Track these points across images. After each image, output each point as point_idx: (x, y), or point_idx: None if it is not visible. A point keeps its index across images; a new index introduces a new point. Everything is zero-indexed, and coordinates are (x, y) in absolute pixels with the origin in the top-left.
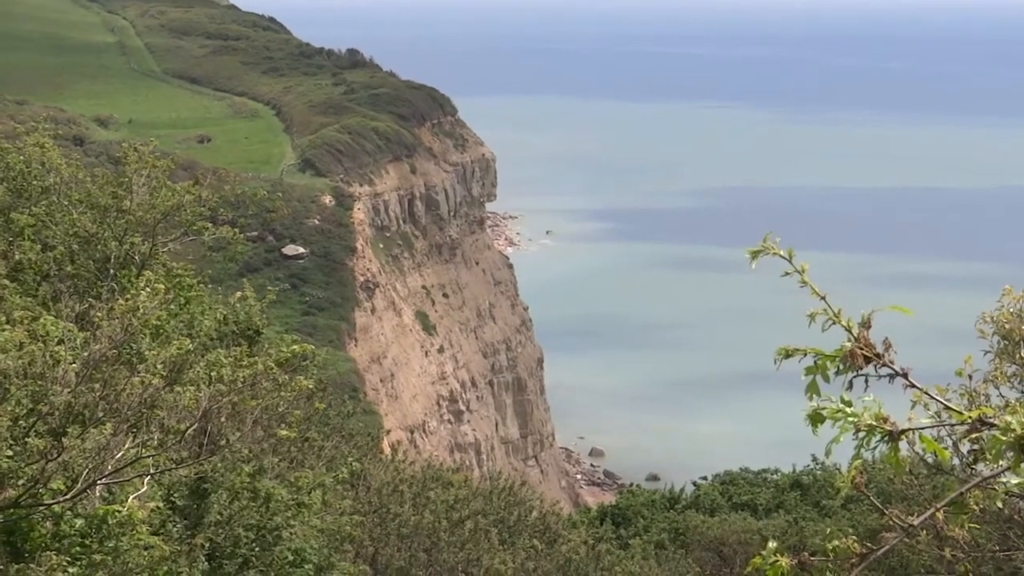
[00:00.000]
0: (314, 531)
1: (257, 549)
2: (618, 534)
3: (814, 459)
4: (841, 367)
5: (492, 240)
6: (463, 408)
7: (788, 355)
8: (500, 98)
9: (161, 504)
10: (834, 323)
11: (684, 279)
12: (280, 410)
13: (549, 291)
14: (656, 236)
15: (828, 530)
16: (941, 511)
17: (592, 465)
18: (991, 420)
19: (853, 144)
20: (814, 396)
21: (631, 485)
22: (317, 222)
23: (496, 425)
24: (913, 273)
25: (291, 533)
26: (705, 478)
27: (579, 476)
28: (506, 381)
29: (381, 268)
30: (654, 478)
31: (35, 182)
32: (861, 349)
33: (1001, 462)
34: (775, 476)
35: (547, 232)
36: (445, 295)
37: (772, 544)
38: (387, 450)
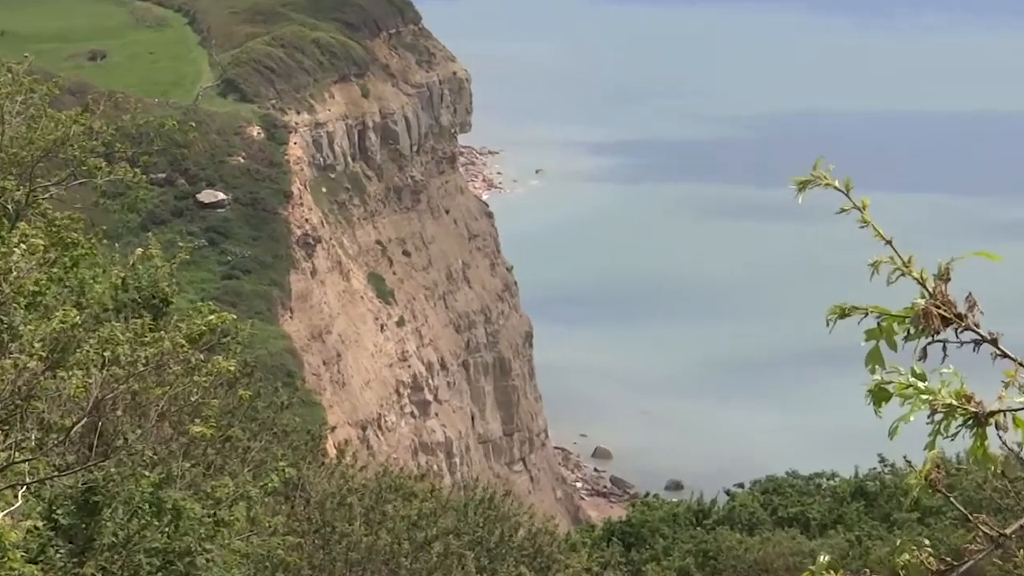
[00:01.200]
0: (236, 557)
1: None
2: (629, 558)
3: (882, 460)
4: (912, 330)
5: (466, 182)
6: (429, 398)
7: (844, 315)
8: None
9: (40, 523)
10: (903, 274)
11: (714, 229)
12: (193, 400)
13: (540, 247)
14: (678, 175)
15: (898, 542)
16: None
17: (596, 470)
18: None
19: (933, 57)
20: (877, 368)
21: (646, 495)
22: (242, 160)
23: (472, 419)
24: (1004, 221)
25: (207, 560)
26: (741, 486)
27: (579, 484)
28: (485, 362)
29: (324, 219)
30: (676, 486)
31: None
32: (938, 307)
33: None
34: (832, 482)
35: (537, 171)
36: (406, 252)
37: (823, 558)
38: (332, 452)
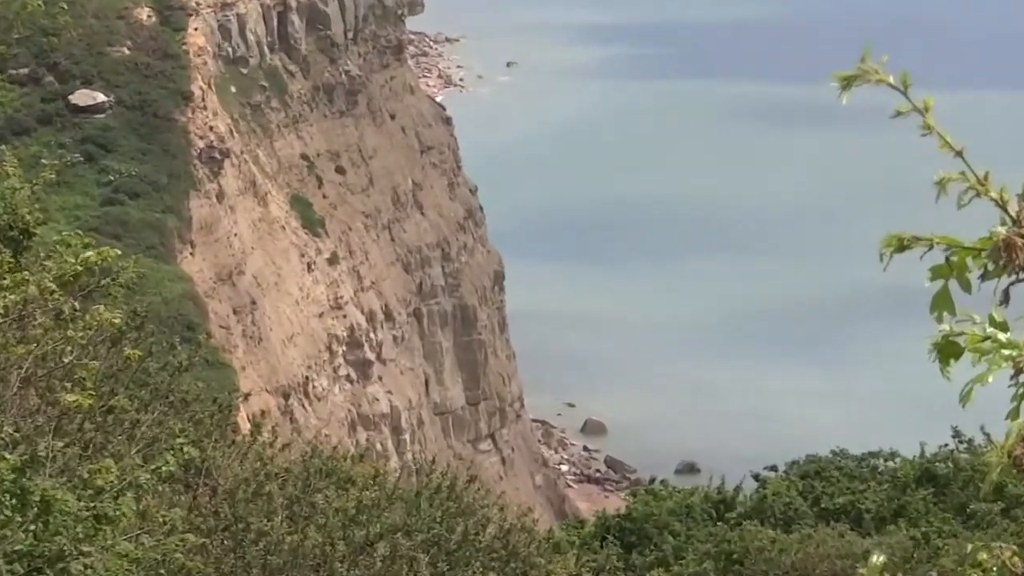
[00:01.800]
0: (122, 562)
1: None
2: (629, 562)
3: (956, 434)
4: (989, 267)
5: (418, 79)
6: (371, 357)
7: (902, 247)
8: None
9: None
10: (977, 195)
11: (738, 140)
12: (67, 362)
13: (513, 163)
14: (693, 67)
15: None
16: None
17: (587, 450)
18: None
19: None
20: (944, 315)
21: (651, 481)
22: (127, 52)
23: (426, 384)
24: None
25: (84, 566)
26: (774, 469)
27: (565, 468)
28: (442, 311)
29: (233, 127)
30: (689, 469)
31: None
32: (1022, 237)
33: None
34: (891, 464)
35: (508, 64)
36: (340, 170)
37: (878, 558)
38: (245, 427)
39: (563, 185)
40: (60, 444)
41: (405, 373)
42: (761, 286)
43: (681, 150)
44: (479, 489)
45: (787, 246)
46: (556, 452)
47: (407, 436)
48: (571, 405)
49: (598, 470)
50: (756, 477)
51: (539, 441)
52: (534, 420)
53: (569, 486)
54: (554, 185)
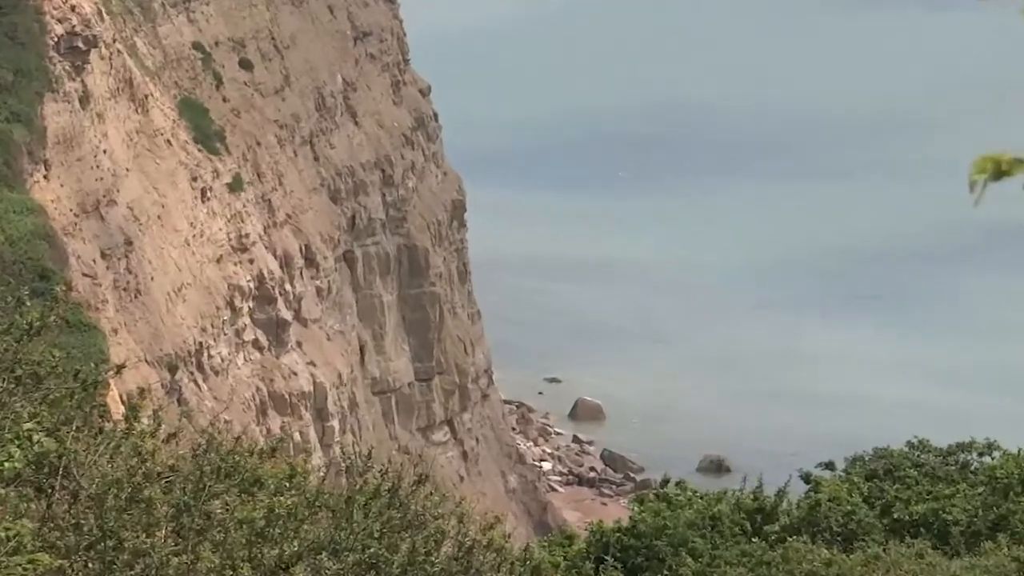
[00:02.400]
0: None
1: None
2: None
3: None
4: None
5: None
6: (287, 316)
7: (1000, 173)
8: None
9: None
10: None
11: (788, 25)
12: None
13: (481, 55)
14: None
15: None
16: None
17: (578, 441)
18: None
19: None
20: None
21: (664, 483)
22: None
23: (361, 353)
24: None
25: None
26: (830, 466)
27: (548, 465)
28: (382, 255)
29: (103, 6)
30: (717, 467)
31: None
32: None
33: None
34: (989, 460)
35: None
36: (245, 64)
37: None
38: (117, 411)
39: (549, 87)
40: None
41: (333, 338)
42: (811, 224)
43: (701, 40)
44: (432, 493)
45: (845, 170)
46: (536, 444)
47: (335, 423)
48: (555, 381)
49: (592, 468)
50: (806, 478)
51: (513, 430)
52: (506, 401)
53: (553, 489)
54: (536, 87)
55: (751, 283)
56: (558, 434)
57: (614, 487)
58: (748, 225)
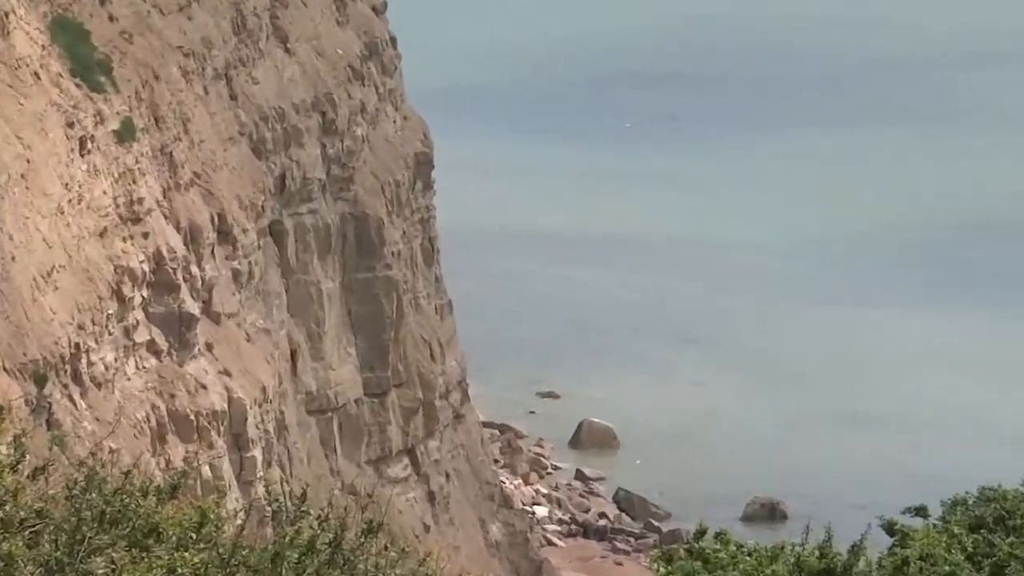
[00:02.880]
0: None
1: None
2: None
3: None
4: None
5: None
6: (193, 309)
7: None
8: None
9: None
10: None
11: None
12: None
13: None
14: None
15: None
16: None
17: (583, 478)
18: None
19: None
20: None
21: (700, 535)
22: None
23: (293, 359)
24: None
25: None
26: (922, 511)
27: (543, 510)
28: (321, 227)
29: None
30: (769, 512)
31: None
32: None
33: None
34: None
35: None
36: None
37: None
38: None
39: (537, 7)
40: None
41: (255, 338)
42: (897, 184)
43: None
44: (387, 548)
45: (967, 111)
46: (527, 483)
47: (257, 452)
48: (551, 396)
49: (602, 515)
50: (889, 528)
51: (496, 462)
52: (486, 424)
53: (551, 543)
54: (522, 7)
55: (803, 265)
56: (556, 468)
57: (632, 540)
58: (798, 189)
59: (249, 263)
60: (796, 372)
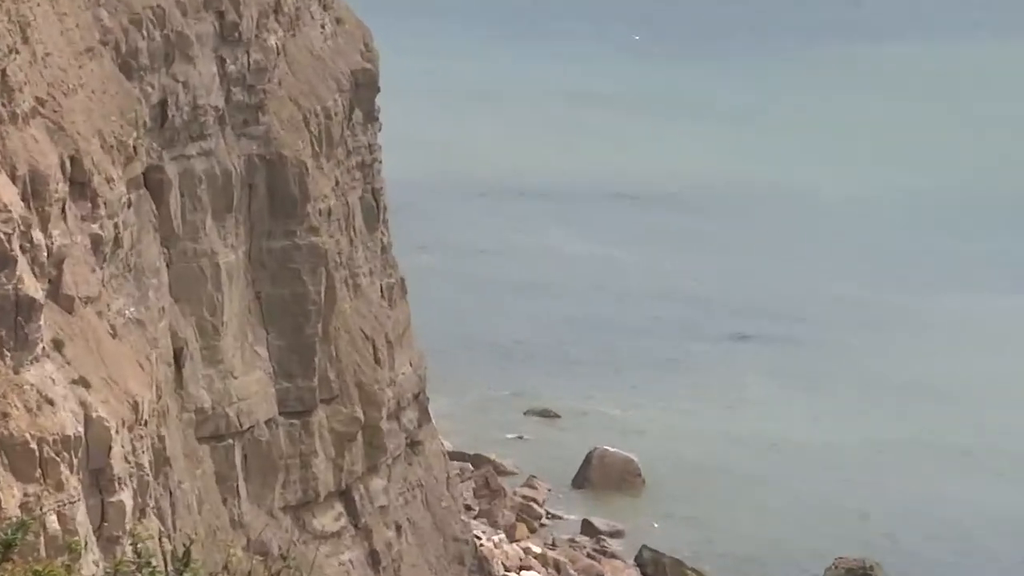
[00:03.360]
0: None
1: None
2: None
3: None
4: None
5: None
6: (33, 292)
7: None
8: None
9: None
10: None
11: None
12: None
13: None
14: None
15: None
16: None
17: (593, 534)
18: None
19: None
20: None
21: None
22: None
23: (178, 362)
24: None
25: None
26: None
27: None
28: (218, 174)
29: None
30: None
31: None
32: None
33: None
34: None
35: None
36: None
37: None
38: None
39: None
40: None
41: (124, 332)
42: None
43: None
44: None
45: None
46: (512, 539)
47: (125, 495)
48: (547, 415)
49: None
50: None
51: (468, 510)
52: (454, 456)
53: None
54: None
55: (880, 230)
56: (555, 518)
57: None
58: (864, 129)
59: (115, 226)
60: (884, 383)
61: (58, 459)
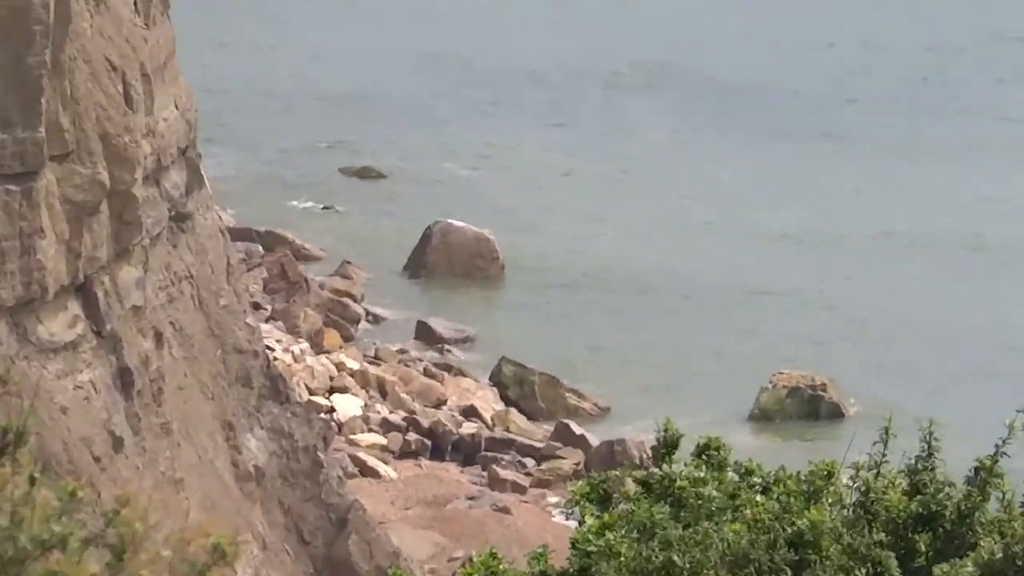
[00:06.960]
0: None
1: None
2: None
3: None
4: None
5: None
6: None
7: None
8: None
9: None
10: None
11: None
12: None
13: None
14: None
15: None
16: None
17: (428, 343)
18: None
19: None
20: None
21: (664, 449)
22: None
23: None
24: None
25: None
26: None
27: (348, 404)
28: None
29: None
30: (813, 404)
31: None
32: None
33: None
34: None
35: None
36: None
37: None
38: None
39: None
40: None
41: None
42: None
43: None
44: (34, 483)
45: None
46: (319, 349)
47: None
48: (371, 174)
49: (470, 409)
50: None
51: (257, 310)
52: (235, 234)
53: (367, 469)
54: None
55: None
56: (378, 320)
57: (529, 463)
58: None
59: None
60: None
61: None
